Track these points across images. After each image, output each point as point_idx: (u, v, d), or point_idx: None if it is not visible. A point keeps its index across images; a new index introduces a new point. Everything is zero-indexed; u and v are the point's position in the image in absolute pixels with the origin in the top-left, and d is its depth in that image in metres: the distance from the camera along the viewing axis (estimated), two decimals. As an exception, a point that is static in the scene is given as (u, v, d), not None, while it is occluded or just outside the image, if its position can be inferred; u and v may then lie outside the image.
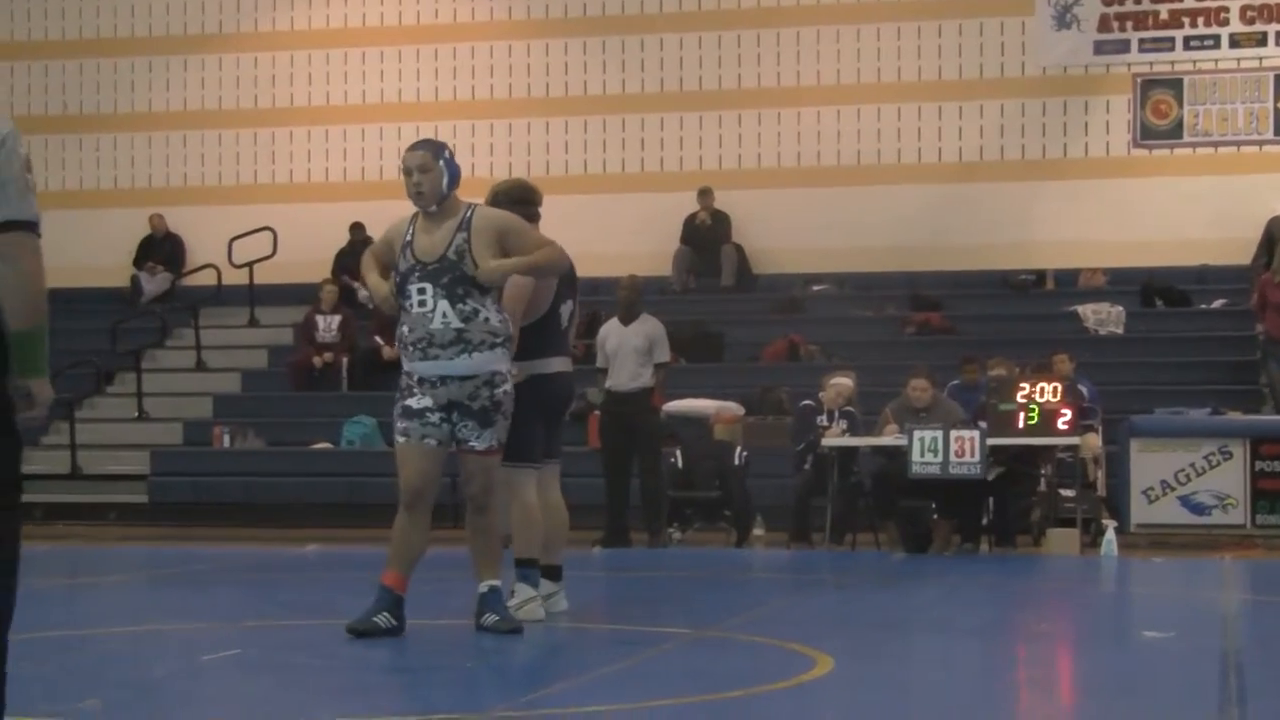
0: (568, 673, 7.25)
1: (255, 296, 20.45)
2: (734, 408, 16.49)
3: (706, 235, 20.00)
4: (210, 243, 20.79)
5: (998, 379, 14.34)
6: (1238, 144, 19.23)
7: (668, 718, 5.96)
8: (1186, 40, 19.26)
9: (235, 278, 20.41)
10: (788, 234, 19.94)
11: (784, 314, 19.33)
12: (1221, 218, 18.89)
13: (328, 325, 19.04)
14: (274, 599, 10.26)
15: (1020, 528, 13.78)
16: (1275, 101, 19.10)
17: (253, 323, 20.59)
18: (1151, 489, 14.43)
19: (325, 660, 7.23)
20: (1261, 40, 19.13)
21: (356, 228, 19.97)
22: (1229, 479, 14.36)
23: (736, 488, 14.39)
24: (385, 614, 7.71)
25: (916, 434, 13.00)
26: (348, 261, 19.18)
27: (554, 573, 8.61)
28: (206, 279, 20.60)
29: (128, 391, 19.30)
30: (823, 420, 14.18)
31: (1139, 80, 19.43)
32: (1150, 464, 14.47)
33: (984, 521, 13.51)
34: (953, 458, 12.89)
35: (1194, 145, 19.30)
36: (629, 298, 14.24)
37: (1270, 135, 19.11)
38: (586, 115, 20.65)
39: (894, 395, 14.06)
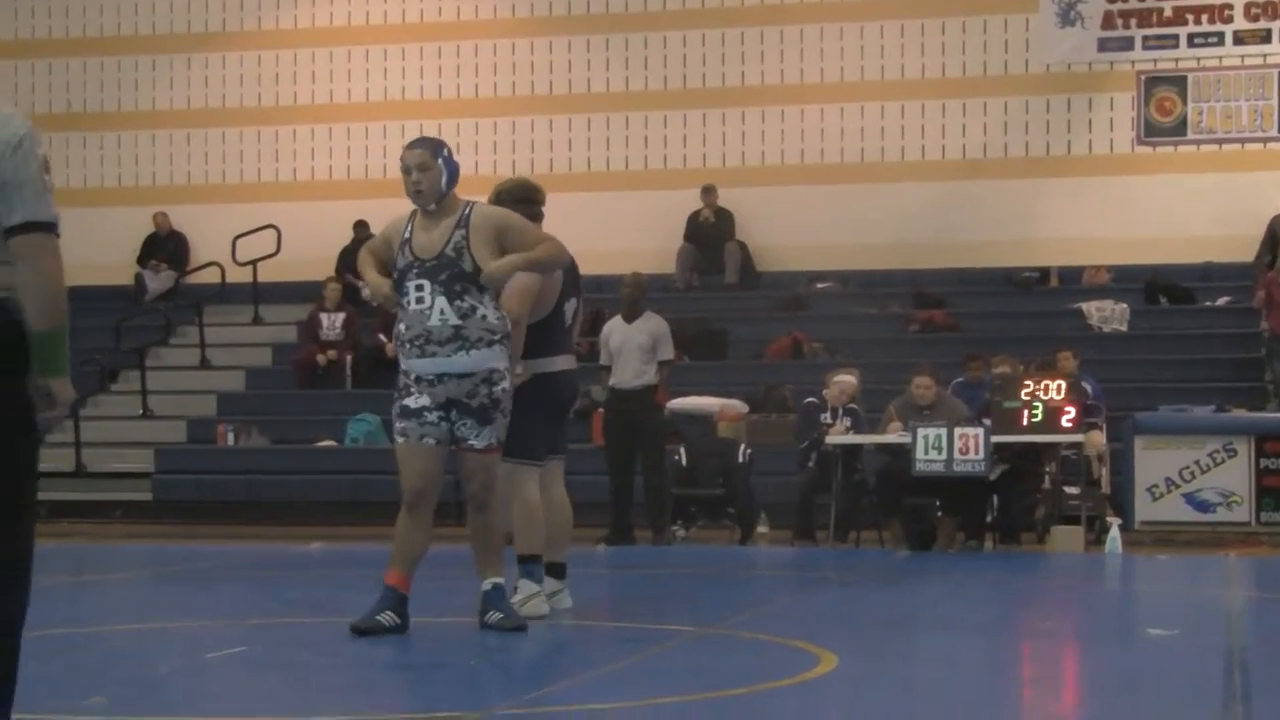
0: (571, 670, 7.25)
1: (259, 294, 20.45)
2: (738, 405, 16.47)
3: (710, 233, 19.99)
4: (214, 241, 20.79)
5: (1002, 376, 14.34)
6: (1242, 141, 19.22)
7: (672, 715, 5.96)
8: (1190, 37, 19.23)
9: (239, 275, 20.40)
10: (791, 231, 19.92)
11: (788, 311, 19.31)
12: (1225, 215, 18.86)
13: (331, 323, 19.05)
14: (278, 596, 10.26)
15: (1024, 525, 13.78)
16: (1279, 98, 19.09)
17: (257, 320, 20.60)
18: (1156, 486, 14.42)
19: (329, 658, 7.23)
20: (1266, 37, 19.11)
21: (360, 225, 19.95)
22: (1234, 476, 14.34)
23: (740, 485, 14.39)
24: (389, 613, 7.69)
25: (920, 431, 12.99)
26: (351, 259, 19.10)
27: (558, 570, 8.61)
28: (210, 277, 20.59)
29: (132, 389, 19.30)
30: (827, 418, 14.18)
31: (1143, 77, 19.41)
32: (1155, 461, 14.45)
33: (988, 519, 13.51)
34: (957, 455, 12.88)
35: (1198, 142, 19.28)
36: (633, 295, 14.24)
37: (1274, 132, 19.09)
38: (590, 113, 20.64)
39: (898, 393, 14.05)
